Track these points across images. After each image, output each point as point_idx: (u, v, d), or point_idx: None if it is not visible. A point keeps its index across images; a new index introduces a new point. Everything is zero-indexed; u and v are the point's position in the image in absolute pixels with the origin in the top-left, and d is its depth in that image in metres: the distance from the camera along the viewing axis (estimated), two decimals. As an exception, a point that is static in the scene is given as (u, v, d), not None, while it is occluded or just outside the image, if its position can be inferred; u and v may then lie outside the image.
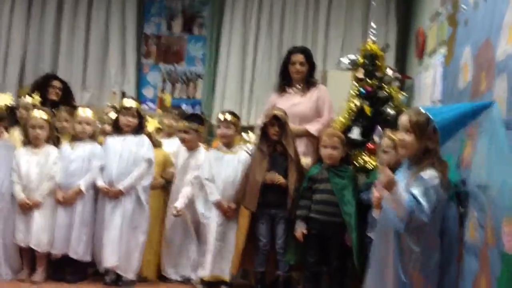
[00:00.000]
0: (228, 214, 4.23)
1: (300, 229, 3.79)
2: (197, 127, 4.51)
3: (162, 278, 4.42)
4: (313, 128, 4.38)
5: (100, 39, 6.19)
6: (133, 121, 4.30)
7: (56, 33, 6.16)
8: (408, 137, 2.58)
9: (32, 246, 4.15)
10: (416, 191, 2.49)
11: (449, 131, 2.55)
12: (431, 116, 2.53)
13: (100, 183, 4.22)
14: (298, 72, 4.45)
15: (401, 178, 2.62)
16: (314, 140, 4.30)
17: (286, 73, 4.53)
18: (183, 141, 4.52)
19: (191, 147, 4.49)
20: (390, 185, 2.49)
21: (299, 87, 4.49)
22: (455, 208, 3.19)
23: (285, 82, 4.54)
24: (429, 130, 2.53)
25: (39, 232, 4.15)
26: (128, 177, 4.20)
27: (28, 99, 4.74)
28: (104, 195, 4.22)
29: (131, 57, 6.20)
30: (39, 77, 5.56)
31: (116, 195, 4.19)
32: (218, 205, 4.22)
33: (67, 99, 5.39)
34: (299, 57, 4.46)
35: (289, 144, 4.04)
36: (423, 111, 2.58)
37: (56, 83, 5.33)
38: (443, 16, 4.11)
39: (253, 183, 4.06)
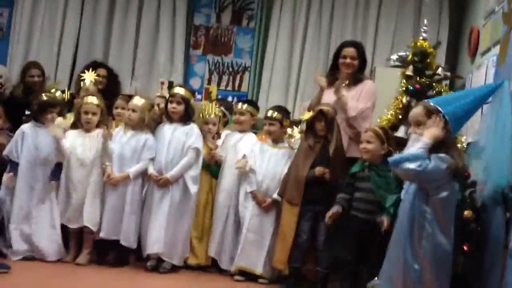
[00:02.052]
0: (263, 207, 4.26)
1: (333, 210, 3.76)
2: (252, 110, 4.65)
3: (213, 266, 4.46)
4: (352, 104, 4.26)
5: (150, 29, 6.28)
6: (178, 108, 4.36)
7: (108, 23, 6.28)
8: (421, 131, 2.59)
9: (85, 224, 4.27)
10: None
11: (459, 120, 2.57)
12: (439, 108, 2.54)
13: (151, 171, 4.31)
14: (348, 66, 4.34)
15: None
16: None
17: (336, 66, 4.46)
18: (237, 122, 4.62)
19: (244, 129, 4.56)
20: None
21: (345, 83, 4.37)
22: (501, 213, 3.12)
23: (333, 75, 4.48)
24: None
25: (92, 212, 4.27)
26: (176, 167, 4.27)
27: (90, 85, 4.86)
28: (154, 182, 4.30)
29: (179, 48, 6.27)
30: (86, 64, 5.69)
31: (164, 184, 4.26)
32: (253, 196, 4.27)
33: (112, 87, 5.49)
34: (350, 51, 4.36)
35: (332, 140, 4.02)
36: (432, 103, 2.57)
37: (100, 71, 5.42)
38: (498, 15, 3.99)
39: (298, 178, 4.07)
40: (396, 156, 2.60)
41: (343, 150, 4.12)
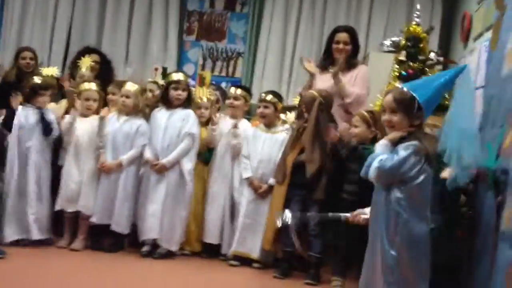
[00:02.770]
0: (259, 192, 4.29)
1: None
2: (246, 95, 4.64)
3: (206, 251, 4.49)
4: (349, 90, 4.24)
5: (143, 15, 6.26)
6: (184, 94, 4.39)
7: (101, 8, 6.25)
8: (395, 117, 2.59)
9: (79, 209, 4.29)
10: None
11: (431, 105, 2.59)
12: (415, 94, 2.55)
13: (148, 155, 4.33)
14: (341, 51, 4.33)
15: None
16: None
17: (330, 52, 4.46)
18: (231, 107, 4.60)
19: (235, 116, 4.55)
20: None
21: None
22: (492, 197, 3.14)
23: (327, 60, 4.48)
24: (414, 107, 2.55)
25: (87, 198, 4.30)
26: (173, 152, 4.29)
27: (85, 71, 4.86)
28: (150, 168, 4.32)
29: (173, 34, 6.25)
30: (79, 50, 5.68)
31: (160, 169, 4.28)
32: (249, 182, 4.30)
33: (105, 73, 5.47)
34: (343, 36, 4.35)
35: (308, 124, 4.01)
36: (405, 89, 2.58)
37: (93, 56, 5.40)
38: (491, 0, 4.00)
39: (284, 161, 4.12)
40: (365, 168, 2.63)
41: (321, 133, 4.06)
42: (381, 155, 2.55)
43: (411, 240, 2.49)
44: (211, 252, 4.47)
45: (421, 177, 2.50)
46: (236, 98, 4.61)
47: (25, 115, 4.31)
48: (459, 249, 3.48)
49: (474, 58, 4.34)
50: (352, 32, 4.42)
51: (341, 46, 4.33)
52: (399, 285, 2.50)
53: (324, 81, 4.33)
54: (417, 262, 2.51)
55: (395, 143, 2.59)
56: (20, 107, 4.35)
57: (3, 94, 4.85)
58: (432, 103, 2.60)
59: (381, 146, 2.60)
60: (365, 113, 3.89)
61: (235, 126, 4.41)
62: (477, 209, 3.49)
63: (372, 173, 2.55)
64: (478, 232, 3.39)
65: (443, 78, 2.63)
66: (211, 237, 4.45)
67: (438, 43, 5.57)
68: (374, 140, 3.69)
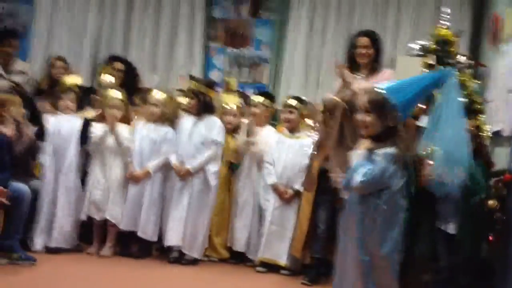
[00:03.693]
0: (285, 198, 4.26)
1: None
2: (268, 102, 4.63)
3: (233, 258, 4.50)
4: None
5: (169, 23, 6.29)
6: (192, 102, 4.39)
7: (128, 17, 6.31)
8: (369, 118, 2.58)
9: (108, 217, 4.32)
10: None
11: (408, 106, 2.56)
12: (388, 95, 2.53)
13: (174, 161, 4.33)
14: (363, 56, 4.23)
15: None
16: None
17: (353, 58, 4.41)
18: (253, 115, 4.57)
19: (260, 123, 4.54)
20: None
21: (364, 73, 4.30)
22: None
23: (351, 67, 4.42)
24: (388, 108, 2.54)
25: (115, 205, 4.33)
26: (198, 159, 4.28)
27: (109, 79, 4.90)
28: (176, 173, 4.32)
29: (198, 41, 6.27)
30: (105, 59, 5.74)
31: (185, 175, 4.28)
32: (274, 188, 4.28)
33: (131, 81, 5.51)
34: (364, 40, 4.24)
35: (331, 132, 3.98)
36: (379, 90, 2.53)
37: (117, 65, 5.45)
38: (522, 1, 3.93)
39: (311, 167, 4.08)
40: (342, 182, 2.61)
41: (345, 139, 4.01)
42: (361, 166, 2.52)
43: (385, 244, 2.46)
44: (238, 258, 4.46)
45: (400, 183, 2.50)
46: (256, 106, 4.60)
47: (57, 123, 4.35)
48: (492, 254, 3.42)
49: (505, 61, 4.26)
50: (372, 36, 4.31)
51: (363, 51, 4.24)
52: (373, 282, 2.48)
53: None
54: (391, 265, 2.49)
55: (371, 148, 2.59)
56: (48, 116, 4.40)
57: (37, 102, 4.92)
58: (410, 105, 2.57)
59: (359, 155, 2.58)
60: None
61: (248, 135, 4.38)
62: (511, 214, 3.42)
63: (355, 185, 2.52)
64: (506, 229, 3.32)
65: (425, 81, 2.60)
66: (239, 245, 4.44)
67: (468, 46, 5.48)
68: None
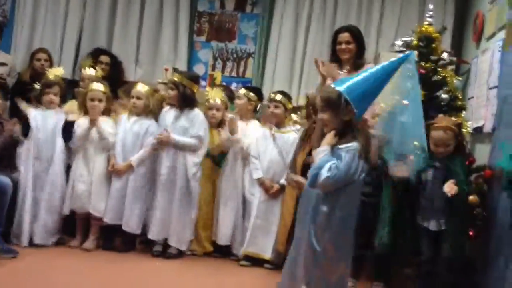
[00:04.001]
0: (271, 192, 4.29)
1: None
2: (253, 96, 4.63)
3: (217, 252, 4.51)
4: None
5: (154, 16, 6.26)
6: (171, 93, 4.37)
7: (112, 10, 6.26)
8: (325, 115, 2.65)
9: (91, 211, 4.31)
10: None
11: (365, 99, 2.58)
12: (340, 90, 2.56)
13: (157, 136, 4.33)
14: (344, 51, 4.17)
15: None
16: None
17: (335, 54, 4.41)
18: (237, 112, 4.59)
19: (245, 117, 4.56)
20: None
21: (347, 69, 4.30)
22: (506, 198, 3.12)
23: (334, 62, 4.42)
24: (342, 105, 2.58)
25: (98, 199, 4.31)
26: (182, 137, 4.29)
27: (91, 71, 4.87)
28: (158, 142, 4.31)
29: (183, 34, 6.25)
30: (89, 51, 5.70)
31: (166, 142, 4.27)
32: (260, 183, 4.30)
33: (116, 74, 5.49)
34: (345, 36, 4.18)
35: (318, 125, 4.00)
36: (331, 87, 2.60)
37: (103, 58, 5.42)
38: (504, -1, 3.97)
39: (294, 162, 4.11)
40: (308, 179, 2.63)
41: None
42: (326, 162, 2.55)
43: (338, 236, 2.51)
44: (222, 252, 4.47)
45: (362, 176, 2.55)
46: (240, 98, 4.63)
47: (42, 117, 4.32)
48: (473, 250, 3.46)
49: (487, 57, 4.31)
50: (353, 31, 4.25)
51: (343, 46, 4.19)
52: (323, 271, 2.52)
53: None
54: (342, 256, 2.56)
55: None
56: (32, 110, 4.36)
57: (19, 95, 4.88)
58: (366, 99, 2.60)
59: (322, 152, 2.61)
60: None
61: (231, 133, 4.39)
62: (491, 210, 3.47)
63: (321, 181, 2.53)
64: (492, 233, 3.36)
65: (381, 72, 2.62)
66: (223, 239, 4.45)
67: (450, 43, 5.53)
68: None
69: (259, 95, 4.84)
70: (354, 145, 2.54)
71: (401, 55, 2.76)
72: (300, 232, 2.70)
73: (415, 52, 2.62)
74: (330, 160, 2.53)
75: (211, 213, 4.53)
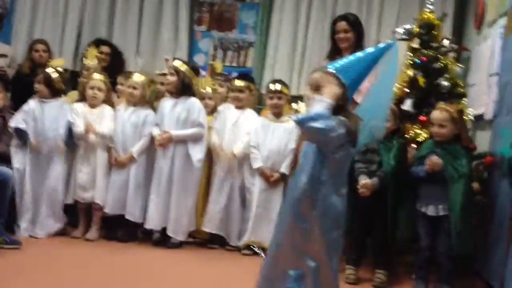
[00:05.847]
0: (271, 182, 4.29)
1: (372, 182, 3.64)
2: (249, 85, 4.60)
3: (213, 241, 4.49)
4: None
5: (154, 6, 6.25)
6: (171, 78, 4.37)
7: (112, 0, 6.26)
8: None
9: (95, 201, 4.33)
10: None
11: (355, 84, 2.52)
12: (340, 77, 2.46)
13: (155, 132, 4.33)
14: (343, 40, 4.17)
15: None
16: None
17: (335, 43, 4.39)
18: (236, 100, 4.55)
19: (243, 107, 4.53)
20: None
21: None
22: (507, 184, 3.12)
23: (335, 52, 4.41)
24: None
25: (100, 189, 4.34)
26: (183, 131, 4.29)
27: (92, 62, 4.88)
28: (156, 142, 4.31)
29: (183, 24, 6.24)
30: (90, 42, 5.70)
31: (166, 141, 4.27)
32: (260, 172, 4.30)
33: (116, 64, 5.48)
34: (342, 25, 4.19)
35: None
36: (331, 70, 2.50)
37: (104, 48, 5.42)
38: (505, -15, 3.95)
39: (296, 152, 4.13)
40: (300, 115, 2.56)
41: None
42: (325, 114, 2.39)
43: (327, 215, 2.46)
44: (216, 241, 4.46)
45: (341, 153, 2.43)
46: (240, 90, 4.58)
47: (42, 108, 4.33)
48: (474, 237, 3.46)
49: (488, 44, 4.29)
50: (351, 19, 4.23)
51: (341, 35, 4.18)
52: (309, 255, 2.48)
53: None
54: (330, 235, 2.48)
55: None
56: (32, 101, 4.36)
57: (18, 86, 4.89)
58: (357, 83, 2.57)
59: (322, 103, 2.41)
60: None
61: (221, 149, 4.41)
62: (492, 197, 3.47)
63: (311, 128, 2.37)
64: (492, 220, 3.37)
65: (370, 58, 2.58)
66: (208, 226, 4.42)
67: (451, 30, 5.51)
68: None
69: (252, 82, 4.80)
70: (346, 120, 2.48)
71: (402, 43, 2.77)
72: (286, 210, 2.65)
73: (395, 43, 2.58)
74: (329, 117, 2.44)
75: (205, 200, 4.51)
